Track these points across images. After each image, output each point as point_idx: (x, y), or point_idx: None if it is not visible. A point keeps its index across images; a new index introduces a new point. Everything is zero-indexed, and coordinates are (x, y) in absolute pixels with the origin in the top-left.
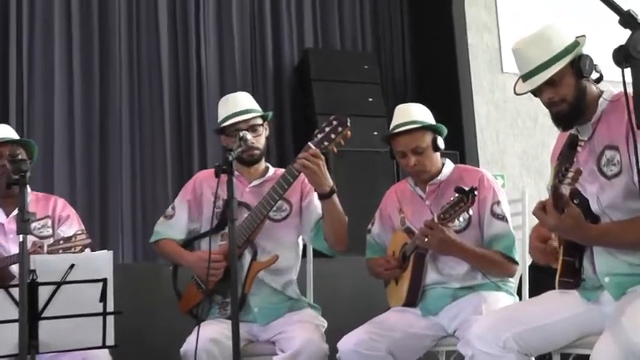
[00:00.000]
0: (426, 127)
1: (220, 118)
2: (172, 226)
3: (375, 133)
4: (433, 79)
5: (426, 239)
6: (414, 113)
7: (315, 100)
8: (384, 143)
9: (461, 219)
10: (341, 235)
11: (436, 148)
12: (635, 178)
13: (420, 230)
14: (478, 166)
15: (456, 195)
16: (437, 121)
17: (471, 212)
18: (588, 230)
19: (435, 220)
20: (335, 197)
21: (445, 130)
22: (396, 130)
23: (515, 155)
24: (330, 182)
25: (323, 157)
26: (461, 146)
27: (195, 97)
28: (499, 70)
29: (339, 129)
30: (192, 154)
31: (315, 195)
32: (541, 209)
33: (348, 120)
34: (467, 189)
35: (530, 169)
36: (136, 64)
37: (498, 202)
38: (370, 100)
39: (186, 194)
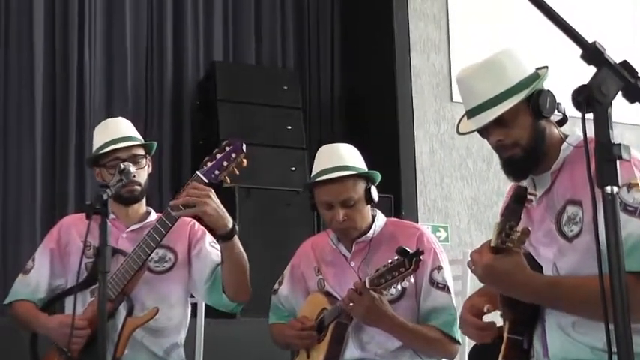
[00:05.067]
0: (361, 175)
1: (96, 146)
2: (30, 283)
3: (293, 168)
4: (367, 106)
5: (352, 304)
6: (344, 157)
7: (220, 125)
8: (305, 189)
9: (399, 286)
10: (243, 283)
11: (369, 200)
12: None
13: (346, 294)
14: (416, 214)
15: (396, 258)
16: (370, 157)
17: (412, 280)
18: (531, 278)
19: (367, 284)
20: (236, 237)
21: (379, 178)
22: (325, 177)
23: (462, 204)
24: (229, 218)
25: (211, 188)
26: (396, 189)
27: (75, 114)
28: (447, 99)
29: (233, 155)
30: (67, 194)
31: (207, 240)
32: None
33: (244, 145)
34: (411, 251)
35: (480, 222)
36: (3, 75)
37: (439, 268)
38: (289, 128)
39: (49, 242)
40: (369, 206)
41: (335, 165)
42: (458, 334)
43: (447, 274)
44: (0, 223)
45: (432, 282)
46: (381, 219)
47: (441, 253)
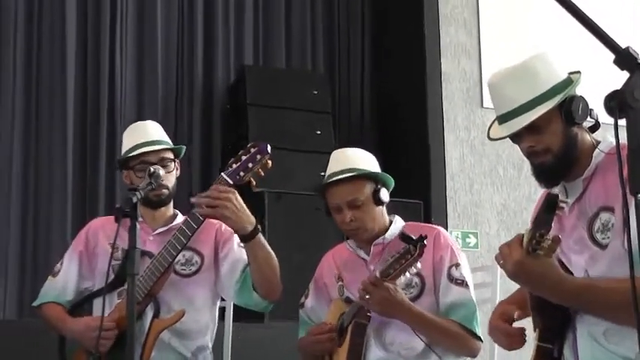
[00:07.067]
0: (365, 176)
1: (125, 148)
2: (58, 285)
3: (323, 173)
4: (397, 111)
5: (367, 297)
6: (351, 159)
7: (250, 129)
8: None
9: (407, 275)
10: (273, 282)
11: (378, 202)
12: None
13: (360, 287)
14: (446, 220)
15: (402, 247)
16: (400, 163)
17: (419, 266)
18: (563, 279)
19: (378, 275)
20: (260, 237)
21: (392, 182)
22: (330, 180)
23: (492, 210)
24: (252, 219)
25: (235, 190)
26: (426, 195)
27: (106, 118)
28: (478, 104)
29: (258, 157)
30: (98, 194)
31: (236, 240)
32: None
33: (269, 147)
34: (415, 237)
35: (510, 228)
36: (35, 77)
37: (457, 265)
38: (318, 132)
39: (77, 245)
40: (382, 208)
41: (341, 168)
42: (478, 329)
43: (465, 271)
44: (31, 226)
45: (451, 278)
46: (398, 223)
47: (459, 251)
